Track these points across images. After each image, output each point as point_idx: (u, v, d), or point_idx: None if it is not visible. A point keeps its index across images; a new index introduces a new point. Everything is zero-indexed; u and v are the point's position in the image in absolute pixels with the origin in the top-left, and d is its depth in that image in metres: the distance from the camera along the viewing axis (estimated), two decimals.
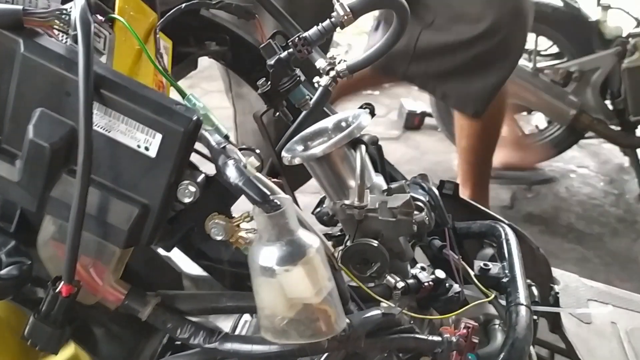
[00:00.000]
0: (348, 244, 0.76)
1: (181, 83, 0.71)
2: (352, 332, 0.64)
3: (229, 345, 0.65)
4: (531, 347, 0.83)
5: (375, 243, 0.75)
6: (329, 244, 0.67)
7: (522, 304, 0.75)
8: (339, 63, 0.82)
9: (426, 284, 0.79)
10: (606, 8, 2.68)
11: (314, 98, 0.84)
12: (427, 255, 0.95)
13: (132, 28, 0.65)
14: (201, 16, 0.99)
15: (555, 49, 2.89)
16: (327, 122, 0.82)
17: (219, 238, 0.63)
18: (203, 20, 0.99)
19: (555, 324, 1.01)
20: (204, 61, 1.04)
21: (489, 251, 0.93)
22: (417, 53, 1.82)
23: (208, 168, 0.66)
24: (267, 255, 0.58)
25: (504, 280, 0.82)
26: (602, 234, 2.50)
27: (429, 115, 3.19)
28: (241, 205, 0.63)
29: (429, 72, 1.88)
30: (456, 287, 0.81)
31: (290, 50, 0.78)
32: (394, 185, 0.80)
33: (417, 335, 0.69)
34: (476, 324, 0.69)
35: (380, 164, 0.90)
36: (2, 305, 0.72)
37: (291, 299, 0.58)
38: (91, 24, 0.57)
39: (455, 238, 0.88)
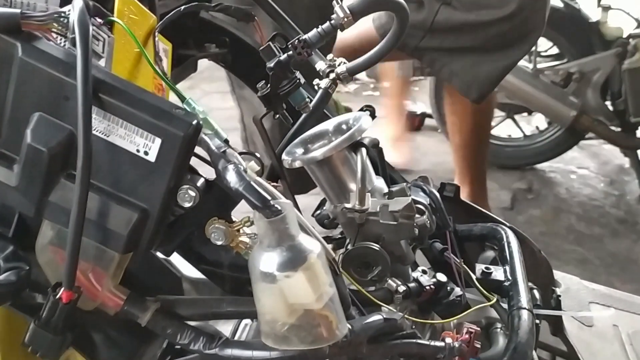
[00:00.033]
0: (349, 247, 0.76)
1: (181, 84, 0.70)
2: (354, 338, 0.64)
3: (229, 351, 0.64)
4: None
5: (376, 247, 0.74)
6: (330, 248, 0.66)
7: (525, 308, 0.75)
8: (338, 65, 0.82)
9: (427, 287, 0.79)
10: (606, 9, 2.68)
11: (314, 100, 0.84)
12: (428, 258, 0.94)
13: (131, 31, 0.64)
14: (200, 18, 0.98)
15: (555, 50, 2.89)
16: (328, 125, 0.81)
17: (219, 243, 0.63)
18: (202, 22, 0.99)
19: (556, 326, 1.01)
20: (203, 62, 1.04)
21: (490, 254, 0.92)
22: (434, 27, 1.78)
23: (207, 171, 0.65)
24: (267, 260, 0.57)
25: (506, 283, 0.81)
26: (603, 235, 2.49)
27: (429, 116, 3.18)
28: (243, 208, 0.63)
29: (442, 47, 1.83)
30: (458, 291, 0.81)
31: (290, 52, 0.78)
32: (394, 188, 0.79)
33: (420, 341, 0.68)
34: (478, 328, 0.69)
35: (381, 166, 0.89)
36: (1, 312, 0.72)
37: (292, 305, 0.58)
38: (89, 27, 0.56)
39: (456, 241, 0.87)
